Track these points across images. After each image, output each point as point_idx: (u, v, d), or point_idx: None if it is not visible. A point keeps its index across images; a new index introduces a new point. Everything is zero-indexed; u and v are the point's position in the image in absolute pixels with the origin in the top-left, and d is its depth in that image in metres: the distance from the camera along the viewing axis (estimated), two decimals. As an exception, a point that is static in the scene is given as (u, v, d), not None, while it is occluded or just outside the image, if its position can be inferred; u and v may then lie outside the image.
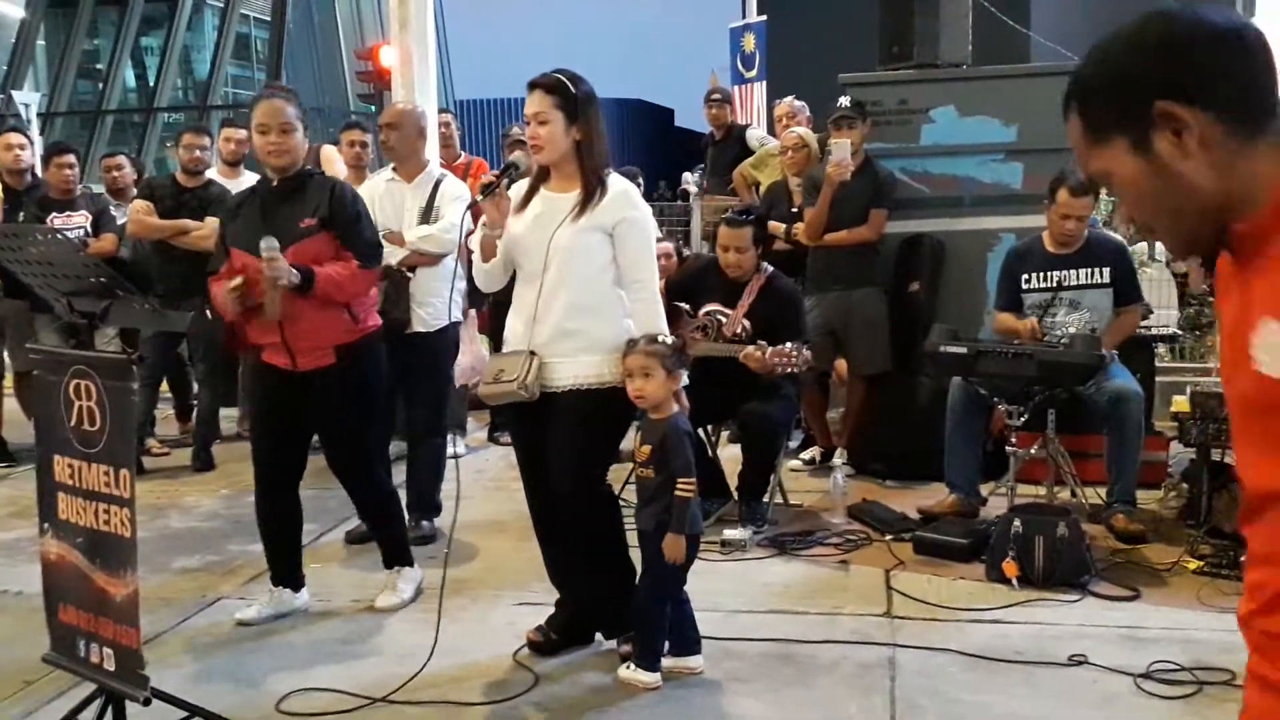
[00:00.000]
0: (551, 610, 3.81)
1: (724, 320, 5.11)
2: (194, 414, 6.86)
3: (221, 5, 23.24)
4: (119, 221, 6.70)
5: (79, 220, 6.55)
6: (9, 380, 6.88)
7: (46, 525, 3.16)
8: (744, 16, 13.00)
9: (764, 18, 11.92)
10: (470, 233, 3.96)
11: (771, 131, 8.23)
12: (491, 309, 6.71)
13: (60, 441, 3.08)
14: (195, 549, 4.98)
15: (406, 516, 4.60)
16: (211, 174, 6.63)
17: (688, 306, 5.17)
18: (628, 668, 3.52)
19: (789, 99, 7.30)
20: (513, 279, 3.73)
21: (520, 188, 3.63)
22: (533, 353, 3.51)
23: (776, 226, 6.10)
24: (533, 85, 3.50)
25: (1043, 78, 6.25)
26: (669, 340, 3.46)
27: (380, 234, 4.33)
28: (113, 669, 2.99)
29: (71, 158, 6.78)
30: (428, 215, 4.86)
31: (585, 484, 3.56)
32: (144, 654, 2.96)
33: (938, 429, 5.09)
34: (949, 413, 5.00)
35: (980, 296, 5.88)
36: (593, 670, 3.62)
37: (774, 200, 6.43)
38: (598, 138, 3.51)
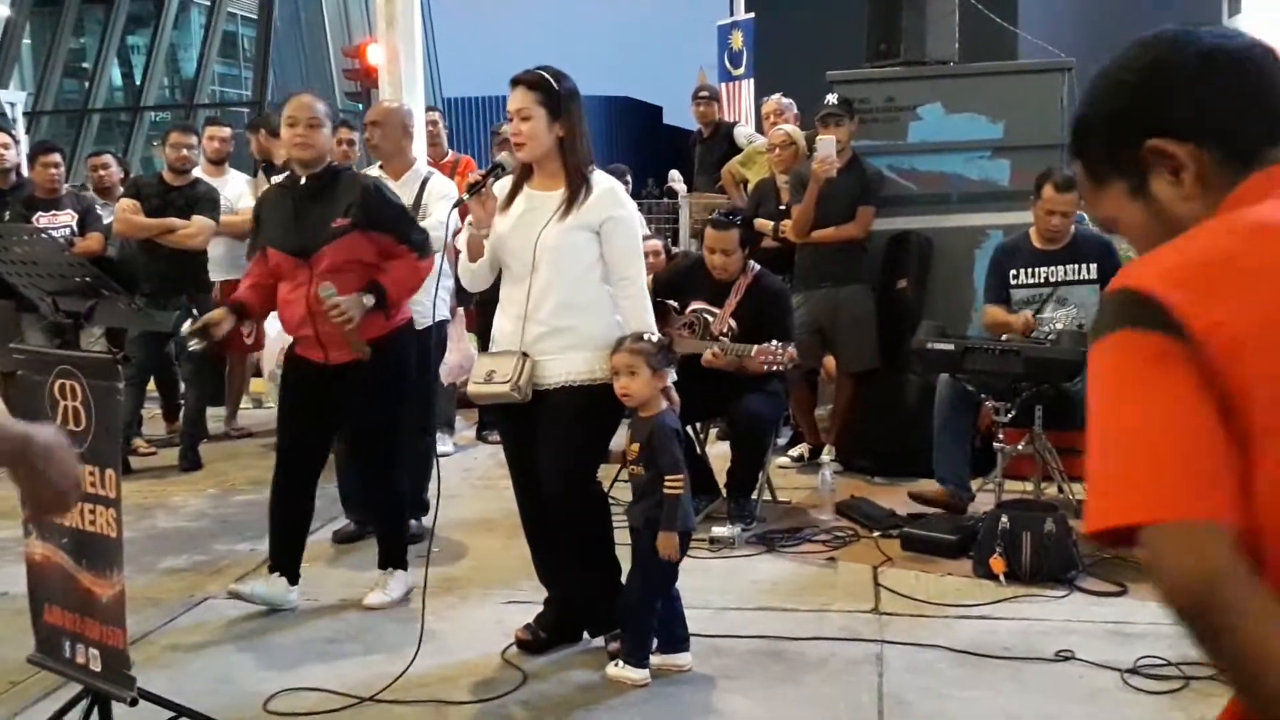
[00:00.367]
0: (540, 609, 3.80)
1: (711, 319, 5.11)
2: (181, 414, 6.84)
3: (208, 3, 23.17)
4: (105, 221, 6.67)
5: (65, 219, 6.53)
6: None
7: (32, 526, 3.14)
8: (732, 14, 12.99)
9: (752, 15, 11.92)
10: (457, 231, 3.96)
11: (760, 129, 8.23)
12: (478, 307, 6.70)
13: (45, 441, 3.06)
14: (182, 549, 4.96)
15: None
16: (197, 173, 6.61)
17: (675, 304, 5.17)
18: (616, 665, 3.52)
19: (776, 96, 7.31)
20: (499, 277, 3.73)
21: (504, 186, 3.62)
22: (525, 354, 3.50)
23: (764, 224, 6.11)
24: (515, 82, 3.49)
25: (1030, 75, 6.27)
26: (654, 338, 3.46)
27: None
28: (99, 670, 2.97)
29: (57, 157, 6.76)
30: (415, 213, 4.85)
31: (577, 482, 3.56)
32: (130, 654, 2.96)
33: (925, 426, 5.10)
34: (936, 409, 5.01)
35: (968, 293, 5.90)
36: (581, 668, 3.62)
37: (762, 198, 6.43)
38: (581, 134, 3.50)
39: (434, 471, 3.69)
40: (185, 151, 6.37)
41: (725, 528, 4.81)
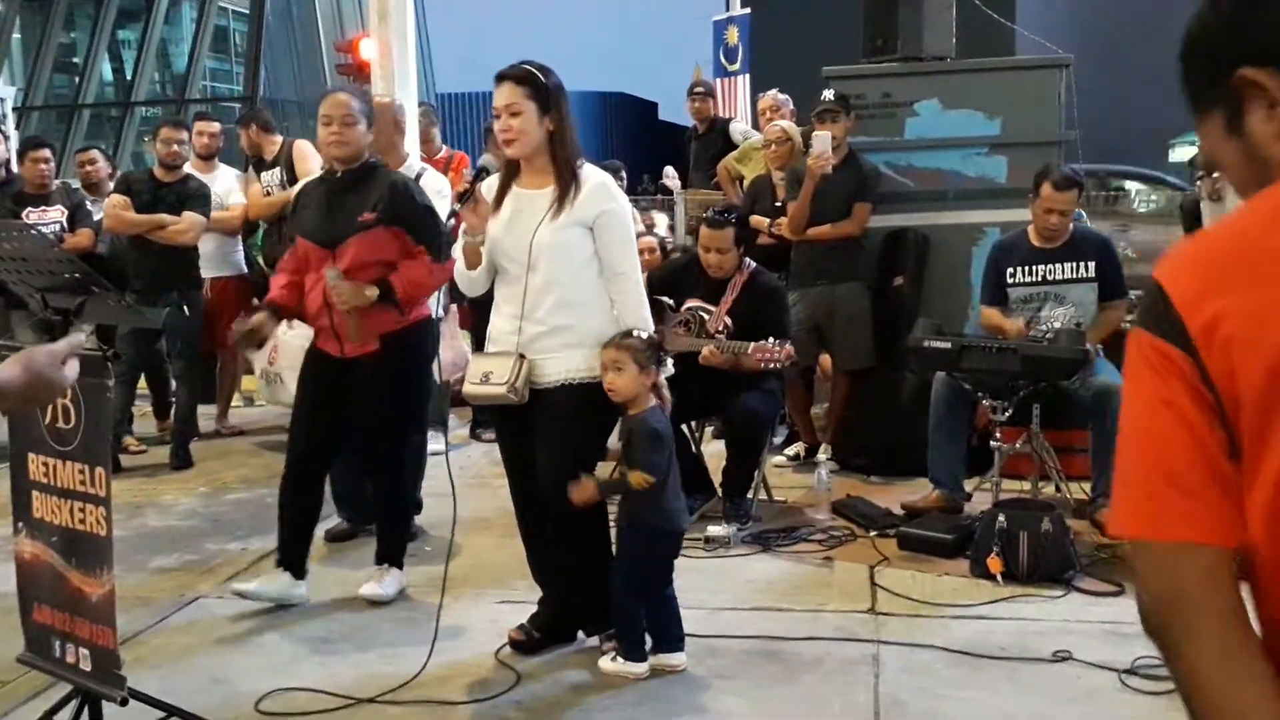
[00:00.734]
0: (534, 608, 3.78)
1: (707, 317, 5.08)
2: (172, 412, 6.80)
3: (200, -2, 23.10)
4: (95, 216, 6.63)
5: (55, 215, 6.49)
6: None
7: (21, 524, 3.11)
8: (728, 9, 12.96)
9: (748, 11, 11.90)
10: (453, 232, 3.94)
11: (755, 125, 8.21)
12: (472, 305, 6.68)
13: (34, 439, 3.03)
14: (173, 548, 4.93)
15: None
16: (188, 168, 6.57)
17: (670, 301, 5.14)
18: (612, 659, 3.51)
19: (772, 92, 7.28)
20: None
21: (491, 187, 3.58)
22: (521, 355, 3.48)
23: (760, 221, 6.08)
24: (501, 77, 3.46)
25: (1027, 71, 6.25)
26: (642, 335, 3.42)
27: None
28: (89, 669, 2.94)
29: (47, 152, 6.72)
30: None
31: (576, 479, 3.54)
32: (121, 654, 2.93)
33: (922, 424, 5.08)
34: (932, 408, 4.99)
35: (964, 291, 5.88)
36: (575, 668, 3.59)
37: (757, 194, 6.41)
38: (570, 128, 3.47)
39: (448, 471, 3.70)
40: (176, 147, 6.33)
41: (721, 527, 4.79)
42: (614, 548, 3.63)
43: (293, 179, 6.38)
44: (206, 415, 7.07)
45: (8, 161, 6.83)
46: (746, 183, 6.96)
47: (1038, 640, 3.67)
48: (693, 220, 7.70)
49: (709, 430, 5.86)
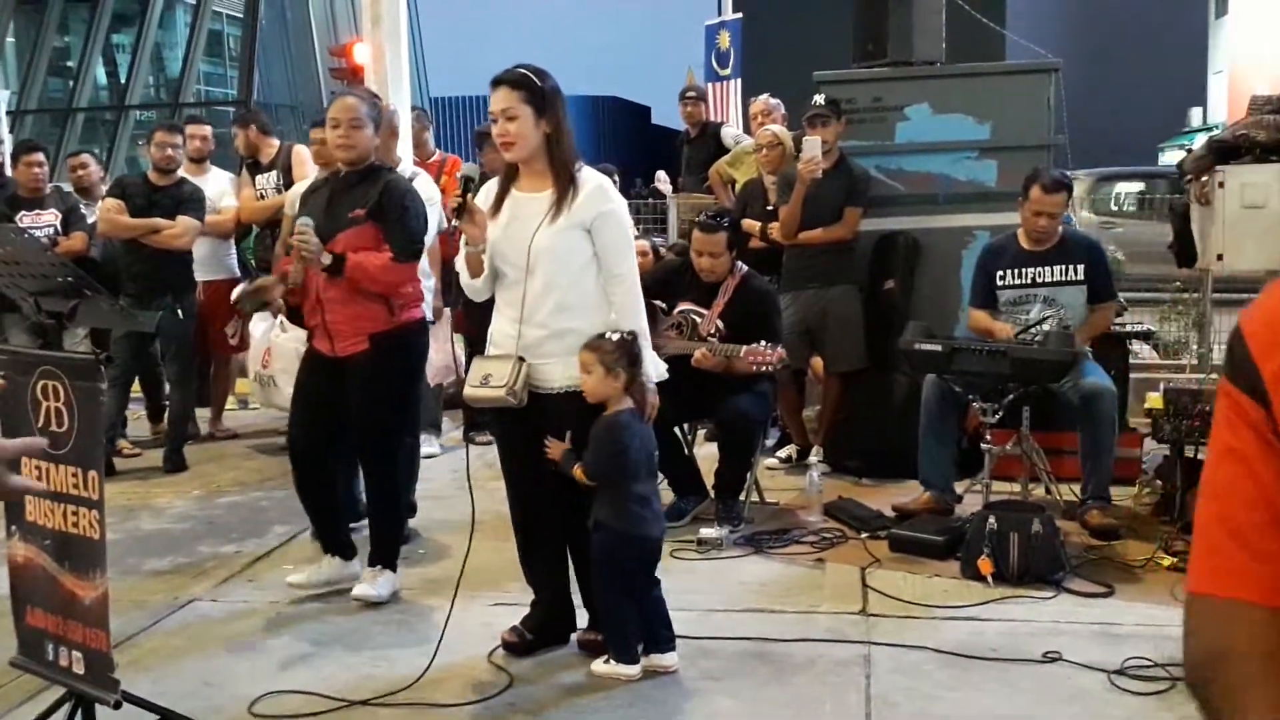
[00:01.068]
0: (527, 610, 3.79)
1: (699, 320, 5.10)
2: (166, 415, 6.80)
3: (193, 2, 23.06)
4: (89, 220, 6.63)
5: (48, 219, 6.49)
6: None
7: (13, 527, 3.12)
8: (720, 14, 12.99)
9: (739, 16, 11.91)
10: (456, 235, 3.96)
11: (747, 129, 8.23)
12: (465, 308, 6.69)
13: (27, 443, 3.04)
14: (167, 551, 4.93)
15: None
16: (182, 172, 6.57)
17: (663, 305, 5.16)
18: (605, 662, 3.52)
19: (764, 97, 7.31)
20: None
21: (489, 192, 3.60)
22: (521, 358, 3.49)
23: (752, 224, 6.10)
24: (497, 82, 3.46)
25: (1017, 75, 6.29)
26: (613, 337, 3.41)
27: None
28: (82, 672, 2.95)
29: (41, 156, 6.72)
30: None
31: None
32: (114, 657, 2.93)
33: (913, 427, 5.10)
34: (923, 410, 5.01)
35: (955, 294, 5.90)
36: (568, 670, 3.60)
37: (749, 198, 6.43)
38: (566, 132, 3.48)
39: (467, 471, 3.73)
40: (170, 151, 6.33)
41: (713, 529, 4.81)
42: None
43: (289, 183, 6.38)
44: (200, 418, 7.08)
45: (1, 165, 6.83)
46: (738, 187, 6.98)
47: (1028, 641, 3.68)
48: (685, 224, 7.72)
49: (701, 433, 5.88)
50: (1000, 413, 4.73)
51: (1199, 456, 4.60)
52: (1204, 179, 5.70)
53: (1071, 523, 4.77)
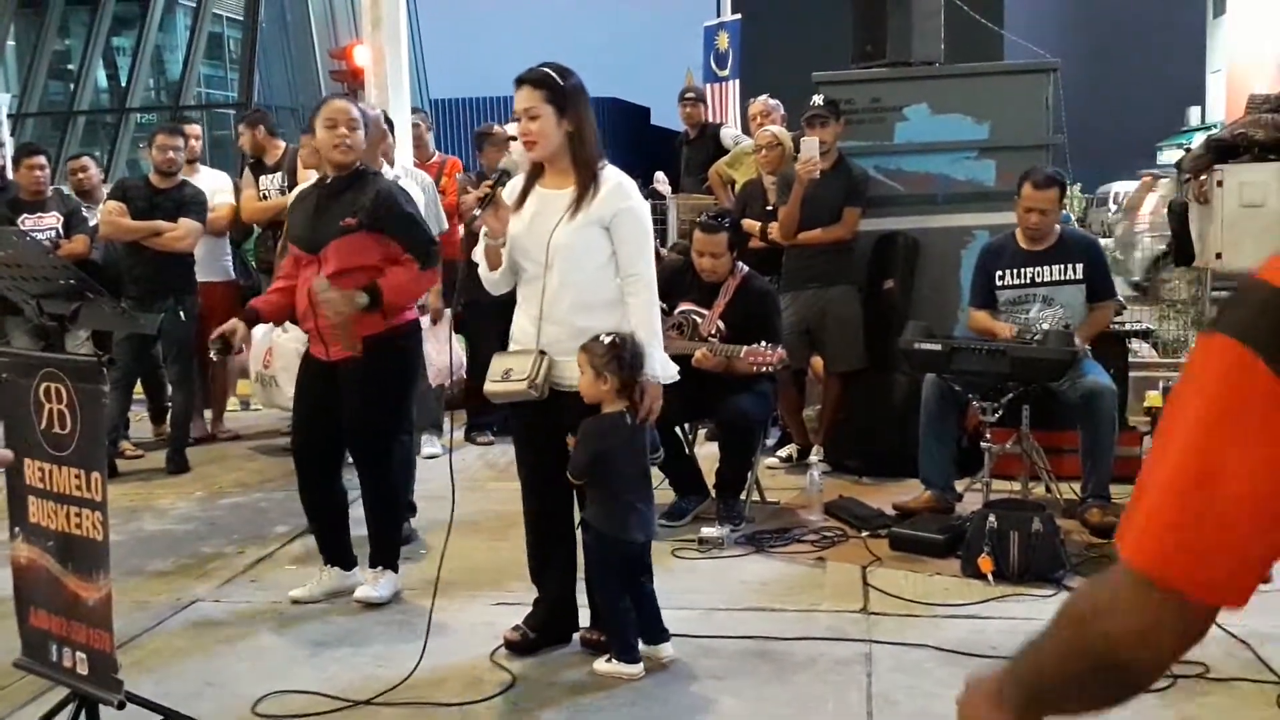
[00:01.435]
0: (529, 610, 3.80)
1: (700, 320, 5.12)
2: (168, 416, 6.81)
3: (194, 5, 23.08)
4: (90, 223, 6.65)
5: (50, 222, 6.50)
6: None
7: (17, 529, 3.13)
8: (719, 15, 13.01)
9: (738, 16, 11.93)
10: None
11: (745, 130, 8.24)
12: (466, 309, 6.69)
13: (30, 445, 3.05)
14: (169, 552, 4.94)
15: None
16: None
17: (664, 305, 5.17)
18: (607, 660, 3.53)
19: (763, 97, 7.32)
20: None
21: (515, 187, 3.62)
22: (542, 352, 3.50)
23: (752, 225, 6.12)
24: (520, 81, 3.49)
25: (1015, 75, 6.30)
26: (605, 340, 3.41)
27: None
28: (86, 673, 2.96)
29: (42, 159, 6.73)
30: None
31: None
32: (118, 658, 2.94)
33: (913, 426, 5.11)
34: (923, 409, 5.02)
35: (954, 293, 5.92)
36: (570, 669, 3.61)
37: (749, 199, 6.44)
38: (589, 130, 3.49)
39: (450, 472, 3.74)
40: (171, 154, 6.34)
41: (714, 528, 4.82)
42: None
43: (293, 185, 6.39)
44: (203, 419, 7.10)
45: (3, 168, 6.84)
46: (738, 187, 7.00)
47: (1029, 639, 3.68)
48: (685, 225, 7.73)
49: (702, 432, 5.89)
50: (1000, 411, 4.74)
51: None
52: (1202, 178, 5.71)
53: (1072, 521, 4.78)
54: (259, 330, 6.42)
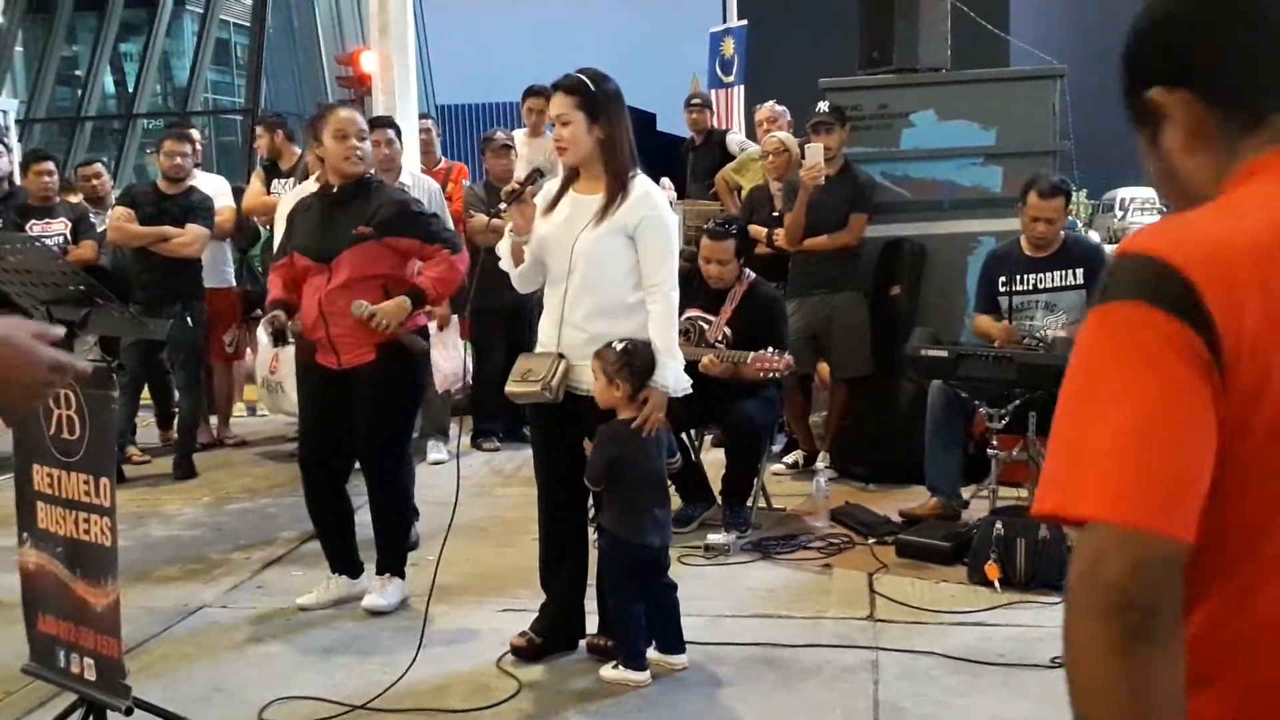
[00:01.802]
0: (536, 615, 3.80)
1: (706, 326, 5.12)
2: (175, 422, 6.82)
3: (201, 11, 23.17)
4: (99, 229, 6.66)
5: (58, 228, 6.52)
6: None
7: (25, 534, 3.14)
8: (724, 21, 13.02)
9: (744, 22, 11.94)
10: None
11: (750, 135, 8.25)
12: (473, 315, 6.71)
13: (39, 450, 3.06)
14: (177, 558, 4.95)
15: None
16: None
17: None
18: (614, 667, 3.53)
19: (770, 104, 7.33)
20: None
21: (551, 190, 3.64)
22: (561, 355, 3.52)
23: (758, 231, 6.12)
24: (554, 87, 3.52)
25: (1022, 82, 6.30)
26: (618, 347, 3.42)
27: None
28: (94, 679, 2.97)
29: (50, 165, 6.75)
30: None
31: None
32: (126, 664, 2.95)
33: (919, 432, 5.11)
34: (929, 416, 5.02)
35: (961, 300, 5.91)
36: (577, 676, 3.61)
37: (755, 205, 6.45)
38: (621, 137, 3.50)
39: (457, 478, 3.74)
40: (179, 160, 6.35)
41: (720, 535, 4.82)
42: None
43: None
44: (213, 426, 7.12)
45: (11, 174, 6.86)
46: (744, 193, 7.00)
47: (1036, 647, 3.68)
48: (690, 231, 7.73)
49: (708, 438, 5.89)
50: (1006, 418, 4.73)
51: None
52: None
53: (1078, 528, 4.76)
54: (264, 337, 6.43)
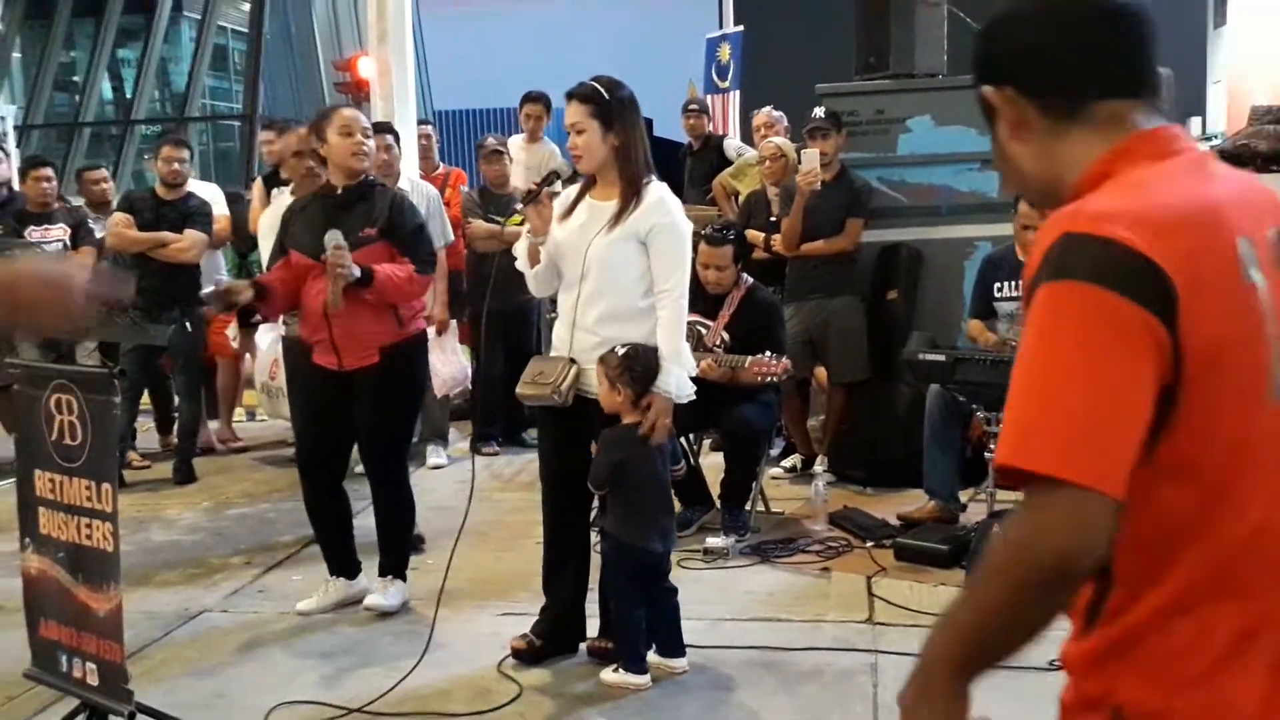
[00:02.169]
0: (536, 619, 3.82)
1: (704, 331, 5.14)
2: (175, 427, 6.83)
3: (198, 17, 23.16)
4: (97, 235, 6.67)
5: (57, 233, 6.52)
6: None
7: (27, 540, 3.15)
8: (721, 27, 13.04)
9: (741, 28, 11.95)
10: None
11: (747, 141, 8.27)
12: (472, 320, 6.72)
13: (41, 456, 3.07)
14: (177, 562, 4.96)
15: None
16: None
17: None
18: (615, 670, 3.54)
19: (767, 109, 7.34)
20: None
21: (569, 195, 3.67)
22: (573, 360, 3.54)
23: (755, 236, 6.14)
24: (569, 95, 3.55)
25: (1018, 87, 6.31)
26: (620, 351, 3.44)
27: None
28: (96, 684, 2.98)
29: (49, 171, 6.75)
30: None
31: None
32: (128, 668, 2.96)
33: (917, 436, 5.13)
34: (926, 420, 5.04)
35: (957, 305, 5.93)
36: (578, 680, 3.63)
37: (752, 210, 6.46)
38: (636, 144, 3.52)
39: (471, 479, 3.77)
40: (176, 165, 6.37)
41: (719, 539, 4.83)
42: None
43: None
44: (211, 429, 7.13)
45: (10, 180, 6.87)
46: (741, 198, 7.02)
47: (1033, 649, 3.69)
48: (689, 236, 7.73)
49: (707, 443, 5.91)
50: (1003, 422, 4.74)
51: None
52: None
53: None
54: (265, 341, 6.44)
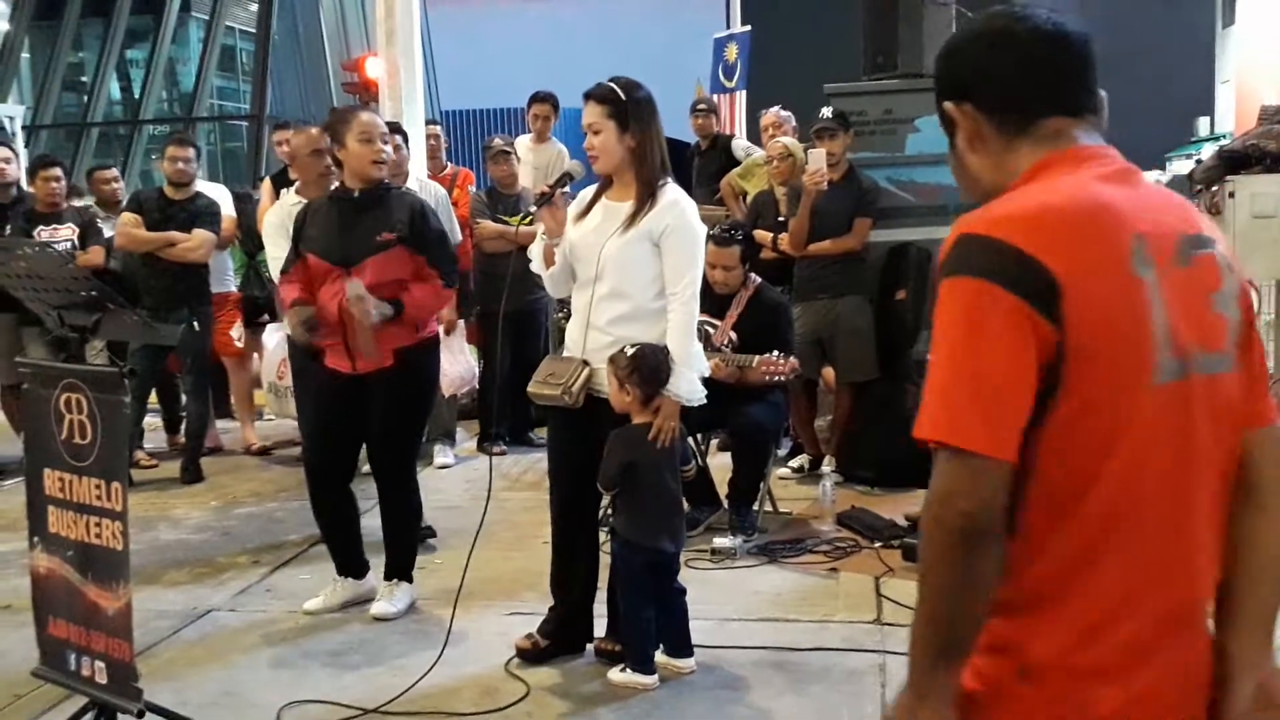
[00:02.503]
0: (543, 619, 3.81)
1: (712, 331, 5.14)
2: (183, 426, 6.84)
3: (206, 17, 23.21)
4: (106, 235, 6.69)
5: (66, 233, 6.53)
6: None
7: (36, 539, 3.15)
8: (728, 27, 13.04)
9: (748, 28, 11.95)
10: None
11: (754, 140, 8.26)
12: (479, 320, 6.73)
13: (51, 455, 3.08)
14: (185, 561, 4.97)
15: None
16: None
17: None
18: (622, 670, 3.54)
19: (775, 109, 7.34)
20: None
21: (586, 196, 3.67)
22: (585, 361, 3.54)
23: (763, 235, 6.13)
24: (586, 96, 3.54)
25: (1026, 87, 6.30)
26: (628, 352, 3.44)
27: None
28: (105, 682, 2.99)
29: (58, 171, 6.76)
30: None
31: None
32: (137, 667, 2.96)
33: (925, 436, 5.11)
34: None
35: (966, 304, 5.91)
36: (585, 680, 3.62)
37: (760, 210, 6.46)
38: (652, 146, 3.51)
39: (489, 479, 3.75)
40: (181, 165, 6.38)
41: (727, 539, 4.83)
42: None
43: None
44: (223, 431, 7.14)
45: (18, 180, 6.88)
46: (749, 198, 7.01)
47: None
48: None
49: (714, 443, 5.91)
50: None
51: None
52: (1214, 189, 5.72)
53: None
54: (272, 341, 6.46)
